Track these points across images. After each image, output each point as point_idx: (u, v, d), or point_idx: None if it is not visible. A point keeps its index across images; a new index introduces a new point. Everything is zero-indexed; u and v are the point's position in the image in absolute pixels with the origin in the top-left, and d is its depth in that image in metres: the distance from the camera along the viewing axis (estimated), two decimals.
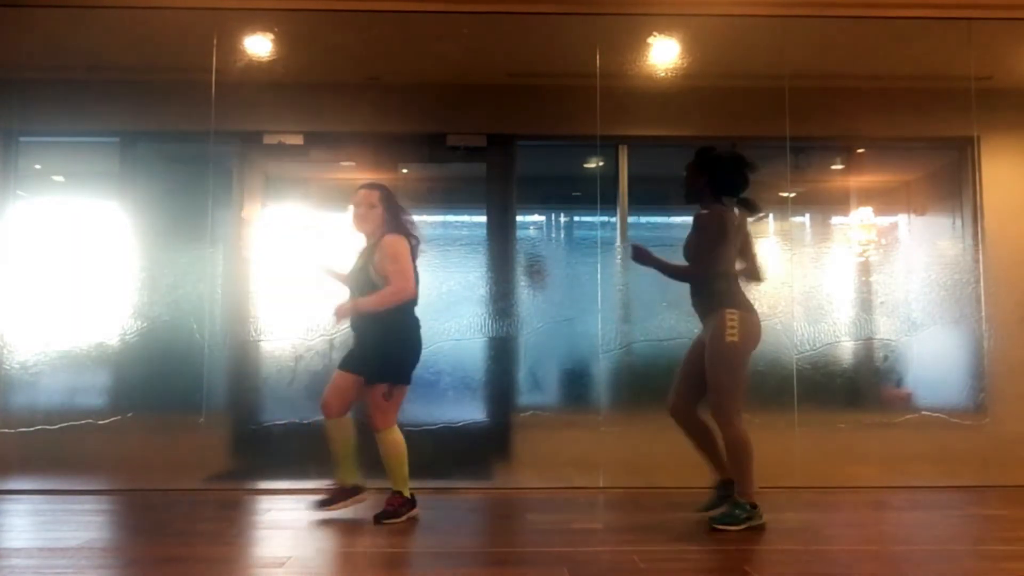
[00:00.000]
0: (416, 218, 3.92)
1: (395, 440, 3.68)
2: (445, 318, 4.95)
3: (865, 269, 5.21)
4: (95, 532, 3.65)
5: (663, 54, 5.13)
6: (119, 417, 4.81)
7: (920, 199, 5.60)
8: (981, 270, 5.12)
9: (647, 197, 5.44)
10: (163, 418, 4.80)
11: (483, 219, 5.24)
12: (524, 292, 5.07)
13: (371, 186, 3.83)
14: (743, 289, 3.73)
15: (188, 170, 5.25)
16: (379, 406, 3.63)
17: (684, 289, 3.77)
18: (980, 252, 5.15)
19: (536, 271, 5.14)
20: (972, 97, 5.07)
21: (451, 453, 4.84)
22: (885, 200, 5.56)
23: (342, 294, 3.86)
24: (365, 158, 5.28)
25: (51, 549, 3.24)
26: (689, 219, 3.88)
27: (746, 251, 3.82)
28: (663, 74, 5.14)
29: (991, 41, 5.03)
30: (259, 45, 5.04)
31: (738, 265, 3.78)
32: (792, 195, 5.23)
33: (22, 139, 5.20)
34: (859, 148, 5.51)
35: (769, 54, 5.04)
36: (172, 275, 4.92)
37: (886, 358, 5.14)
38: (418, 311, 3.77)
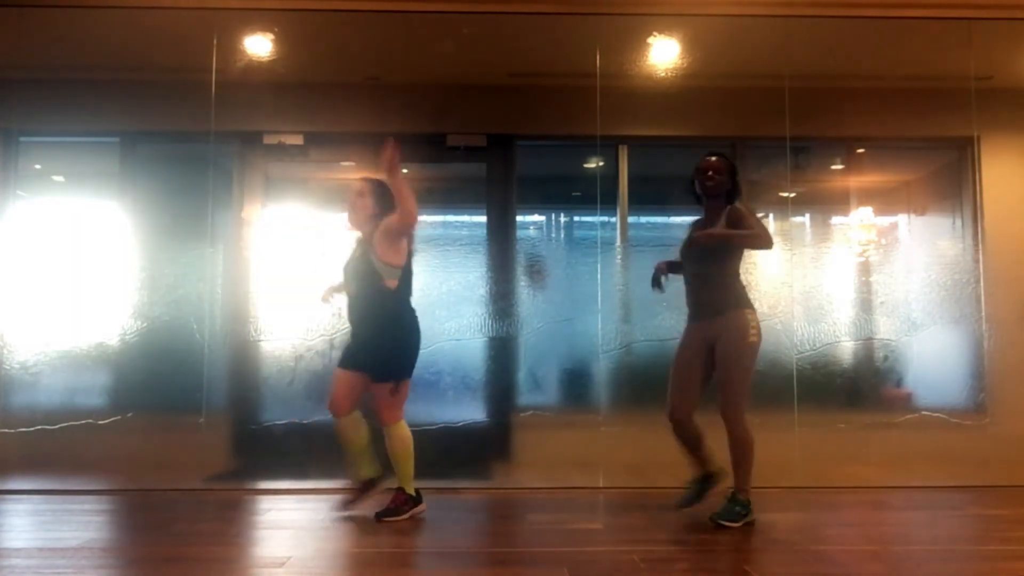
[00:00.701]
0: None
1: (403, 435, 3.69)
2: (445, 318, 4.95)
3: (865, 269, 5.22)
4: (95, 532, 3.64)
5: (663, 54, 5.13)
6: (119, 417, 4.82)
7: (920, 199, 5.60)
8: (981, 270, 5.12)
9: (647, 197, 5.44)
10: (163, 418, 4.80)
11: (483, 219, 5.25)
12: (524, 292, 5.07)
13: (363, 179, 3.85)
14: None
15: (188, 170, 5.25)
16: (386, 402, 3.64)
17: (684, 289, 3.78)
18: (980, 252, 5.16)
19: (536, 271, 5.14)
20: (972, 97, 5.08)
21: (451, 453, 4.84)
22: (885, 200, 5.56)
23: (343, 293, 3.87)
24: (365, 158, 5.28)
25: (51, 549, 3.24)
26: (688, 219, 3.89)
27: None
28: (663, 74, 5.14)
29: (991, 41, 5.03)
30: (259, 45, 5.04)
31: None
32: (792, 195, 5.23)
33: (22, 139, 5.21)
34: (859, 148, 5.51)
35: (769, 54, 5.04)
36: (172, 275, 4.93)
37: (886, 358, 5.14)
38: (419, 311, 3.77)
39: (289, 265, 4.94)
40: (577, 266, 5.11)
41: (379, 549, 3.27)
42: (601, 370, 4.98)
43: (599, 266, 5.01)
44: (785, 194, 5.19)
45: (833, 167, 5.56)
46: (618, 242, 5.17)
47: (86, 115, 5.13)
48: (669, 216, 5.53)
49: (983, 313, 5.06)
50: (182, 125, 5.12)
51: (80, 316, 4.89)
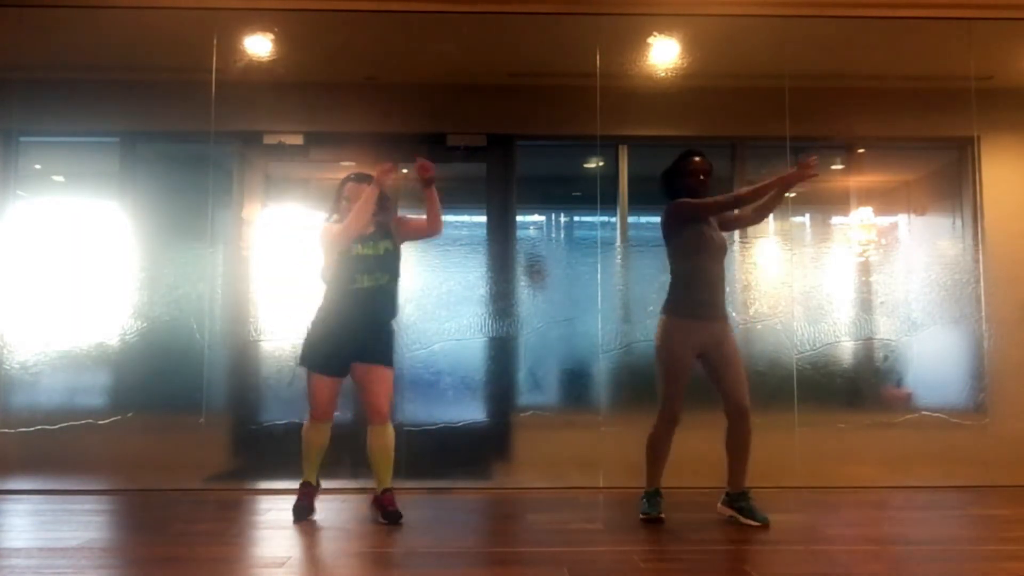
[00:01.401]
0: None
1: (393, 431, 3.71)
2: (445, 318, 4.95)
3: (865, 269, 5.21)
4: (95, 532, 3.65)
5: (663, 54, 5.13)
6: (119, 417, 4.81)
7: (920, 199, 5.59)
8: (981, 270, 5.12)
9: (647, 197, 5.42)
10: (163, 418, 4.80)
11: (483, 219, 5.24)
12: (524, 292, 5.07)
13: (373, 180, 3.87)
14: None
15: (188, 170, 5.25)
16: (389, 394, 3.67)
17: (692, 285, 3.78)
18: (980, 252, 5.15)
19: (536, 271, 5.14)
20: (972, 97, 5.08)
21: (451, 453, 4.84)
22: (885, 200, 5.56)
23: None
24: (365, 158, 5.27)
25: (51, 549, 3.24)
26: None
27: None
28: (663, 74, 5.14)
29: (991, 41, 5.03)
30: (259, 45, 5.04)
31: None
32: (792, 195, 5.22)
33: (22, 139, 5.20)
34: (859, 148, 5.51)
35: (769, 54, 5.04)
36: (172, 275, 4.93)
37: (886, 358, 5.13)
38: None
39: (289, 265, 4.93)
40: (577, 266, 5.11)
41: (379, 549, 3.27)
42: (601, 370, 4.98)
43: (599, 266, 5.01)
44: (785, 194, 5.17)
45: (833, 167, 5.55)
46: (618, 242, 5.17)
47: (86, 115, 5.13)
48: None
49: (983, 313, 5.06)
50: (182, 125, 5.12)
51: (80, 316, 4.89)
